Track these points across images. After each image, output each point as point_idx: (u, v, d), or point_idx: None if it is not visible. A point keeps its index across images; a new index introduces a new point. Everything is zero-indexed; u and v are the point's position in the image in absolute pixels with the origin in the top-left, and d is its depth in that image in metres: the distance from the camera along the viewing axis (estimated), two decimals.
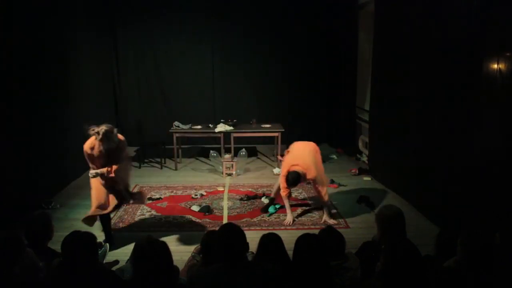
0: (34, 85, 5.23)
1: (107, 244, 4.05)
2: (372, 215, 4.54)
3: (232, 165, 6.66)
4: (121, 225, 4.83)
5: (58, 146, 5.88)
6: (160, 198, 5.66)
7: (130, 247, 2.83)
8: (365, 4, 7.17)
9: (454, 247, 2.48)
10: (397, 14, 5.62)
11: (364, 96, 7.69)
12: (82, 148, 4.15)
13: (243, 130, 7.17)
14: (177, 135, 7.05)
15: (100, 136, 3.82)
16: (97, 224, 4.79)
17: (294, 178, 4.58)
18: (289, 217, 4.82)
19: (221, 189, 6.06)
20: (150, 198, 5.63)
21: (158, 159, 7.30)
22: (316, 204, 5.32)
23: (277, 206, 5.23)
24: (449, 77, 4.34)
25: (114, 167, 4.03)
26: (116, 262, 3.72)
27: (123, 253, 3.78)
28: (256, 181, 6.43)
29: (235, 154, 6.93)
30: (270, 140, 7.67)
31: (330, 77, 8.45)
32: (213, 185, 6.24)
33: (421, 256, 2.37)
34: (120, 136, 4.06)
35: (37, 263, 2.77)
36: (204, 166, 7.28)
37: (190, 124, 7.21)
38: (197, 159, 7.78)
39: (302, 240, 2.46)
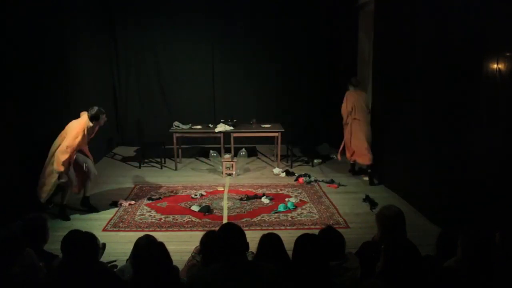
0: (34, 84, 5.22)
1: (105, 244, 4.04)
2: (372, 215, 4.53)
3: (232, 165, 6.66)
4: (121, 225, 4.83)
5: None
6: (160, 198, 5.66)
7: (130, 247, 2.83)
8: (365, 4, 7.17)
9: (455, 247, 2.48)
10: (397, 14, 5.62)
11: None
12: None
13: (243, 130, 7.17)
14: (177, 135, 7.05)
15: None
16: (98, 224, 4.82)
17: None
18: None
19: (221, 189, 6.06)
20: (150, 198, 5.63)
21: (158, 159, 7.30)
22: None
23: (288, 206, 5.27)
24: (449, 77, 4.34)
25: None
26: (114, 264, 3.71)
27: (123, 253, 3.78)
28: (256, 181, 6.43)
29: (235, 154, 6.93)
30: (270, 140, 7.67)
31: (330, 77, 8.45)
32: (213, 185, 6.24)
33: (421, 256, 2.37)
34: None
35: (37, 263, 2.77)
36: (204, 166, 7.28)
37: (190, 124, 7.21)
38: (197, 159, 7.77)
39: (302, 240, 2.46)
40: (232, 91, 8.53)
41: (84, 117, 4.87)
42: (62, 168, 4.67)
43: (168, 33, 8.27)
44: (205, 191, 5.91)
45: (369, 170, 6.24)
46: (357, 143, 6.23)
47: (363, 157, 6.18)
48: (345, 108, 6.33)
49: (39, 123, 5.33)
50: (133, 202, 5.51)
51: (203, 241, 2.91)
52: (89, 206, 5.23)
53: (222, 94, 8.60)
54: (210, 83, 8.55)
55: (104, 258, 3.75)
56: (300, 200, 5.57)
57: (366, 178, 6.45)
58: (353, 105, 6.24)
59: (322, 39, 8.36)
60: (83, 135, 4.75)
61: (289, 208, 5.25)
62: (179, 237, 4.48)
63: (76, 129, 4.73)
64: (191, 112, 8.11)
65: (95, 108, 4.87)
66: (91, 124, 4.84)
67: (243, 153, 6.95)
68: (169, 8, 8.11)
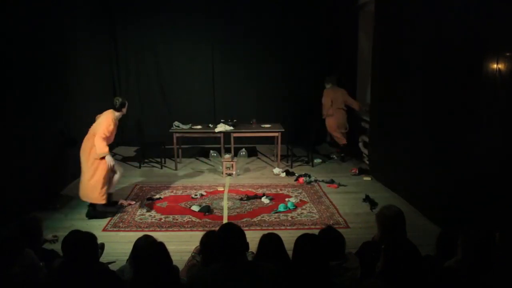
0: (34, 85, 5.23)
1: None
2: (372, 215, 4.53)
3: (232, 165, 6.66)
4: (121, 225, 4.83)
5: (58, 145, 5.88)
6: (160, 198, 5.67)
7: (130, 246, 2.83)
8: (365, 4, 7.17)
9: (455, 247, 2.48)
10: (397, 14, 5.62)
11: (364, 96, 7.69)
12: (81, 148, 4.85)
13: (243, 130, 7.17)
14: (177, 135, 7.05)
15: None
16: (98, 224, 4.82)
17: None
18: None
19: (221, 189, 6.06)
20: (150, 198, 5.63)
21: (158, 159, 7.30)
22: None
23: (288, 206, 5.27)
24: (449, 77, 4.34)
25: None
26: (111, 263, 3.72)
27: (123, 253, 3.78)
28: (256, 181, 6.43)
29: (235, 154, 6.93)
30: (270, 140, 7.67)
31: None
32: (213, 185, 6.24)
33: (421, 256, 2.37)
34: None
35: (37, 263, 2.77)
36: (204, 166, 7.28)
37: (190, 124, 7.21)
38: (197, 159, 7.77)
39: (302, 240, 2.46)
40: (232, 91, 8.53)
41: (107, 111, 5.02)
42: (106, 149, 4.81)
43: (168, 33, 8.26)
44: (205, 191, 5.91)
45: (342, 154, 7.61)
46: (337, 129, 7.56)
47: (340, 139, 7.55)
48: (326, 103, 7.50)
49: (39, 123, 5.33)
50: (133, 202, 5.50)
51: (203, 241, 2.91)
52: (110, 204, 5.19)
53: (222, 94, 8.60)
54: (210, 83, 8.55)
55: (104, 258, 3.77)
56: (300, 200, 5.57)
57: (366, 178, 6.47)
58: (332, 101, 7.40)
59: (322, 39, 8.35)
60: (114, 124, 4.94)
61: (289, 208, 5.25)
62: (179, 237, 4.48)
63: (106, 120, 4.89)
64: (191, 112, 8.11)
65: (119, 98, 5.19)
66: (117, 114, 5.04)
67: (243, 153, 6.96)
68: (169, 8, 8.10)
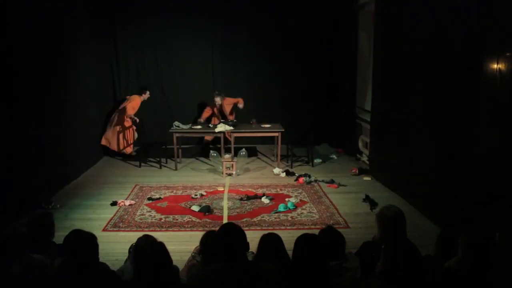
0: (34, 85, 5.23)
1: None
2: (372, 215, 4.53)
3: (232, 165, 6.66)
4: (121, 225, 4.83)
5: (58, 146, 5.88)
6: (160, 198, 5.66)
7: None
8: (365, 4, 7.17)
9: (455, 247, 2.48)
10: (397, 14, 5.62)
11: (364, 96, 7.69)
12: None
13: (243, 130, 7.17)
14: (177, 135, 7.05)
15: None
16: (98, 224, 4.82)
17: None
18: None
19: (221, 189, 6.06)
20: (150, 198, 5.63)
21: (158, 159, 7.30)
22: None
23: (288, 206, 5.27)
24: (449, 76, 4.34)
25: None
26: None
27: (123, 253, 3.78)
28: (256, 181, 6.43)
29: (235, 154, 6.93)
30: (270, 140, 7.67)
31: (330, 77, 8.45)
32: (213, 185, 6.24)
33: (421, 256, 2.37)
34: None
35: (45, 261, 2.73)
36: (204, 166, 7.28)
37: (190, 124, 7.21)
38: (197, 159, 7.78)
39: (302, 240, 2.46)
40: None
41: (135, 96, 7.60)
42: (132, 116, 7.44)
43: (168, 33, 8.26)
44: (205, 191, 5.91)
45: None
46: None
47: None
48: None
49: (39, 123, 5.34)
50: (133, 202, 5.51)
51: (203, 241, 2.91)
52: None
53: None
54: (210, 83, 8.54)
55: (104, 259, 3.76)
56: (300, 200, 5.57)
57: (366, 178, 6.47)
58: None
59: (322, 39, 8.35)
60: (137, 104, 7.56)
61: (289, 208, 5.25)
62: (179, 237, 4.48)
63: (132, 103, 7.46)
64: (191, 112, 8.11)
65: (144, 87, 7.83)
66: (141, 97, 7.63)
67: (243, 153, 6.95)
68: (169, 8, 8.10)
